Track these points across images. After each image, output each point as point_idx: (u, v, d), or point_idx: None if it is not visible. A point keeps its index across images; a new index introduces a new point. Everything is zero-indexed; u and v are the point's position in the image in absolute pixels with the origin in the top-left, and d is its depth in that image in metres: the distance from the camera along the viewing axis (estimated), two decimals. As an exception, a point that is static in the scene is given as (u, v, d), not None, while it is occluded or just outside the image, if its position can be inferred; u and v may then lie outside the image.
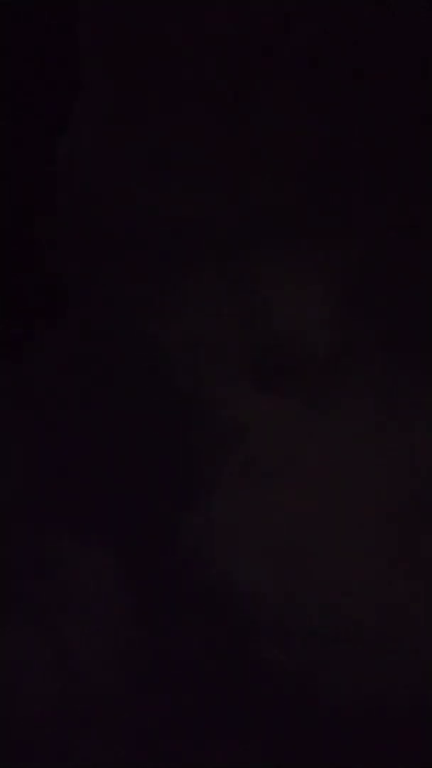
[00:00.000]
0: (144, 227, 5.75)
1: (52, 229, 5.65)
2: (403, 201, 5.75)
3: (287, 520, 5.44)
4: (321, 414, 5.54)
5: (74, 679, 5.30)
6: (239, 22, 5.93)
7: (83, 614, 5.35)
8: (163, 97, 5.87)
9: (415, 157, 5.79)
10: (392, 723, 5.25)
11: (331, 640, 5.33)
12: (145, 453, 5.48)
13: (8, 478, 5.47)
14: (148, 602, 5.36)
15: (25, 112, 5.87)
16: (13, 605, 5.34)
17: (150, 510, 5.43)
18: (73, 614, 5.35)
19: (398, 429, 5.54)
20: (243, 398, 5.56)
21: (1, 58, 5.87)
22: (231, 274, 5.65)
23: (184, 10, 5.95)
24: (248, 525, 5.44)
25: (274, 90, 5.83)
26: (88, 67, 5.93)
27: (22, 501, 5.45)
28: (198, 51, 5.90)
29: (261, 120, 5.83)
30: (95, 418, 5.51)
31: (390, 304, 5.65)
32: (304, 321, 5.62)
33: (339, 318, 5.63)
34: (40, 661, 5.32)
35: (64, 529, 5.43)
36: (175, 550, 5.39)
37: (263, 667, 5.30)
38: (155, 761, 5.20)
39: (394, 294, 5.67)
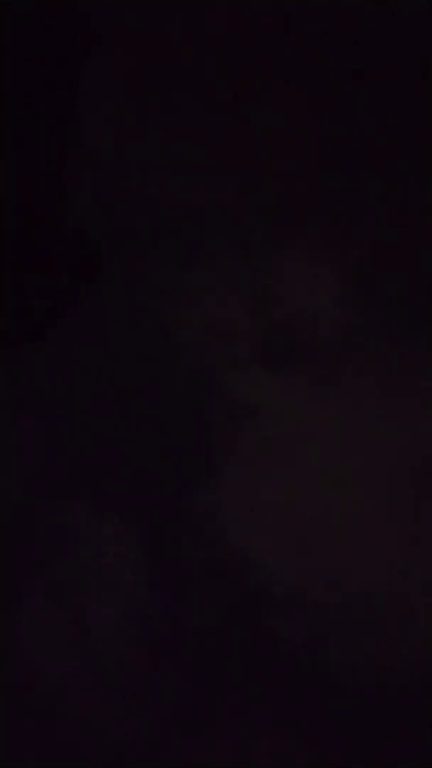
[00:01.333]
0: (155, 214, 5.80)
1: (64, 210, 5.72)
2: (411, 187, 5.79)
3: (298, 496, 5.52)
4: (330, 394, 5.61)
5: (93, 651, 5.39)
6: (239, 22, 5.95)
7: (101, 588, 5.44)
8: (166, 95, 5.90)
9: (419, 146, 5.83)
10: (401, 695, 5.32)
11: (342, 613, 5.40)
12: (159, 431, 5.58)
13: (26, 454, 5.56)
14: (165, 576, 5.45)
15: (25, 112, 5.89)
16: (33, 579, 5.44)
17: (166, 486, 5.53)
18: (91, 588, 5.44)
19: (407, 408, 5.61)
20: (253, 378, 5.64)
21: (1, 58, 5.89)
22: (241, 258, 5.71)
23: (184, 10, 5.97)
24: (260, 501, 5.53)
25: (275, 87, 5.86)
26: (88, 67, 5.96)
27: (41, 478, 5.55)
28: (198, 51, 5.93)
29: (269, 109, 5.86)
30: (110, 397, 5.60)
31: (398, 287, 5.71)
32: (313, 303, 5.69)
33: (348, 300, 5.69)
34: (60, 634, 5.41)
35: (82, 506, 5.53)
36: (191, 526, 5.49)
37: (275, 638, 5.40)
38: (171, 729, 5.29)
39: (402, 276, 5.72)
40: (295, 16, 5.92)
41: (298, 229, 5.74)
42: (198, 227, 5.74)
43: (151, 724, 5.34)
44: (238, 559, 5.49)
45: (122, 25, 6.01)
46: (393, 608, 5.41)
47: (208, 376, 5.63)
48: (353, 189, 5.77)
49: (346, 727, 5.33)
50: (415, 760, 5.26)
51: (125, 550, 5.49)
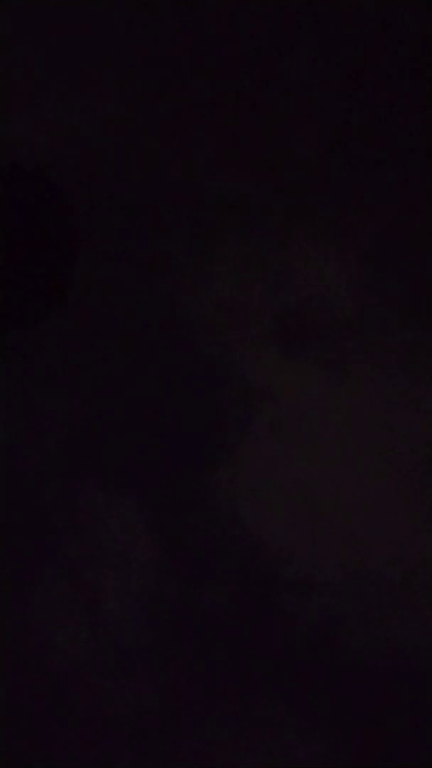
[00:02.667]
0: (171, 196, 5.83)
1: (75, 194, 5.75)
2: (424, 169, 5.82)
3: (311, 478, 5.56)
4: (344, 378, 5.65)
5: (105, 630, 5.44)
6: (239, 22, 5.99)
7: (114, 568, 5.49)
8: (177, 80, 5.93)
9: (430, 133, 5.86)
10: (413, 675, 5.35)
11: (353, 594, 5.44)
12: (173, 413, 5.62)
13: (41, 435, 5.60)
14: (177, 557, 5.50)
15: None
16: (46, 559, 5.49)
17: (179, 468, 5.58)
18: (104, 567, 5.49)
19: (419, 392, 5.64)
20: (268, 362, 5.68)
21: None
22: (256, 242, 5.75)
23: (184, 10, 6.01)
24: (273, 482, 5.57)
25: (284, 72, 5.89)
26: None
27: (56, 458, 5.59)
28: (207, 39, 5.96)
29: (280, 92, 5.89)
30: (125, 379, 5.65)
31: (412, 270, 5.74)
32: (328, 288, 5.73)
33: (362, 285, 5.73)
34: (72, 613, 5.46)
35: (96, 487, 5.58)
36: (203, 508, 5.54)
37: (287, 619, 5.43)
38: (182, 707, 5.34)
39: (415, 259, 5.76)
40: (296, 16, 5.96)
41: (312, 211, 5.79)
42: (211, 210, 5.79)
43: (161, 702, 5.38)
44: (251, 540, 5.53)
45: (122, 24, 6.04)
46: (404, 589, 5.45)
47: (221, 359, 5.68)
48: (366, 171, 5.82)
49: (357, 708, 5.37)
50: (426, 739, 5.29)
51: (138, 531, 5.54)
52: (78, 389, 5.68)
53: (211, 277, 5.76)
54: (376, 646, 5.40)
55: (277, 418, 5.62)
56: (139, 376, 5.67)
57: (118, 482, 5.58)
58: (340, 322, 5.73)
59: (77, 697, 5.39)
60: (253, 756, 5.34)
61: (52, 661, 5.43)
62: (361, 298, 5.74)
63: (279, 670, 5.41)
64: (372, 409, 5.63)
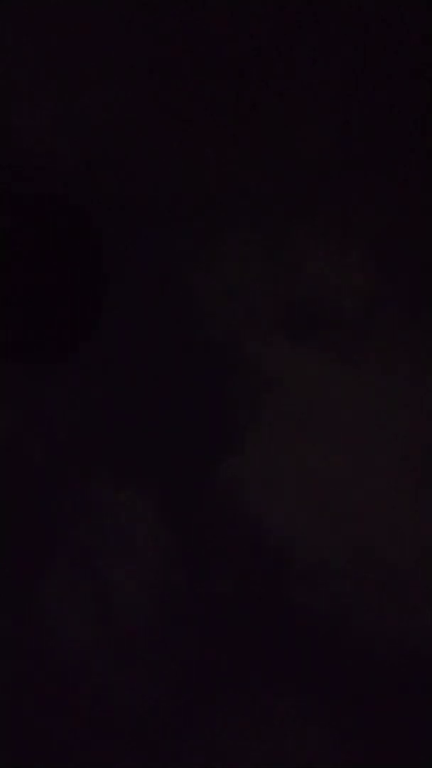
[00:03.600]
0: (172, 195, 5.84)
1: (88, 189, 5.76)
2: (426, 170, 5.85)
3: (319, 467, 5.57)
4: (351, 367, 5.66)
5: (113, 620, 5.44)
6: (239, 22, 6.00)
7: (123, 558, 5.49)
8: (180, 74, 5.95)
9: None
10: (424, 665, 5.35)
11: (362, 583, 5.44)
12: (182, 403, 5.62)
13: (49, 427, 5.59)
14: (185, 547, 5.50)
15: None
16: (55, 549, 5.49)
17: (187, 458, 5.58)
18: (112, 558, 5.49)
19: (426, 381, 5.65)
20: (276, 351, 5.68)
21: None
22: (266, 232, 5.76)
23: (184, 10, 6.02)
24: (281, 472, 5.57)
25: (287, 63, 5.91)
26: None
27: (63, 449, 5.58)
28: (209, 31, 5.98)
29: (283, 82, 5.91)
30: (134, 367, 5.64)
31: (421, 258, 5.75)
32: (335, 277, 5.73)
33: (370, 274, 5.74)
34: (81, 603, 5.46)
35: (104, 477, 5.58)
36: (212, 496, 5.54)
37: (296, 609, 5.44)
38: (190, 698, 5.33)
39: (425, 248, 5.77)
40: (296, 16, 5.98)
41: (321, 199, 5.80)
42: (224, 201, 5.79)
43: (169, 692, 5.39)
44: (259, 530, 5.53)
45: (122, 24, 6.06)
46: (415, 578, 5.46)
47: (229, 348, 5.68)
48: (376, 159, 5.83)
49: (368, 698, 5.37)
50: None
51: (147, 521, 5.54)
52: (85, 380, 5.68)
53: (220, 268, 5.77)
54: (385, 638, 5.41)
55: (284, 408, 5.63)
56: (147, 367, 5.67)
57: (125, 472, 5.58)
58: (350, 310, 5.75)
59: (84, 685, 5.39)
60: (258, 749, 5.35)
61: (59, 651, 5.42)
62: (371, 287, 5.76)
63: (289, 659, 5.41)
64: (382, 398, 5.64)
